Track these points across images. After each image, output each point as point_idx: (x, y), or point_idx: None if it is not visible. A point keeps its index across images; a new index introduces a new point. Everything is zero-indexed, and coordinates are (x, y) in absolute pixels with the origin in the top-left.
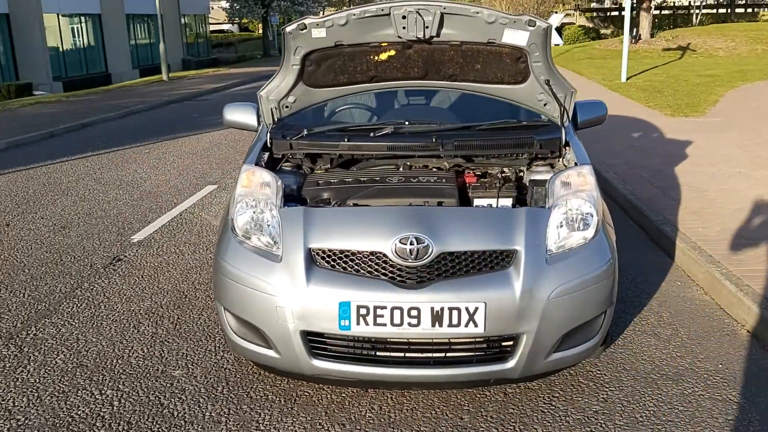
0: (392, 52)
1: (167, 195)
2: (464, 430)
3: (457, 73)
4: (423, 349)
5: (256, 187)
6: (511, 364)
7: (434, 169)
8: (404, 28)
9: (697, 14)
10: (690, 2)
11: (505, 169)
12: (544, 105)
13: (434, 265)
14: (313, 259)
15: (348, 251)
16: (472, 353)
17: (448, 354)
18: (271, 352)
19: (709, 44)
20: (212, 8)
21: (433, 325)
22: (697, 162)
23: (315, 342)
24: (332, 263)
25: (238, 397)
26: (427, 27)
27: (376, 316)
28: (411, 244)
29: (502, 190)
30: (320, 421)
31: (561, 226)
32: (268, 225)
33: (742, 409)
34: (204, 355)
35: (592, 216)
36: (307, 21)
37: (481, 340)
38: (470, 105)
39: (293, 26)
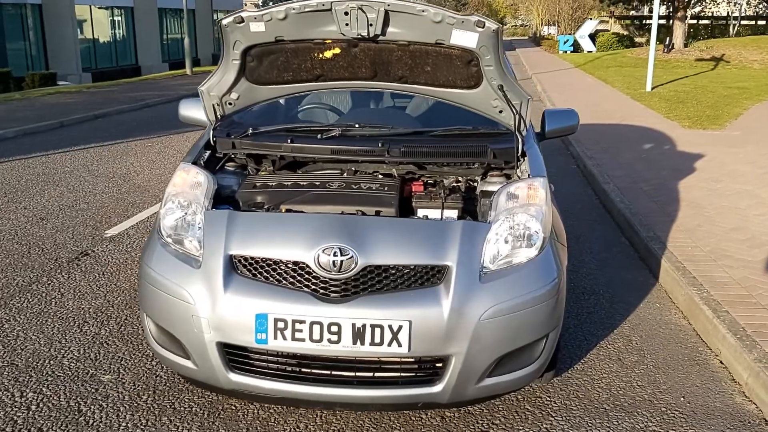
0: (337, 50)
1: (155, 190)
2: None
3: (407, 75)
4: (346, 367)
5: (187, 187)
6: (438, 387)
7: (380, 176)
8: (347, 24)
9: (734, 25)
10: (728, 13)
11: (459, 179)
12: (500, 112)
13: (360, 279)
14: (234, 267)
15: (270, 260)
16: (398, 375)
17: (374, 374)
18: (189, 363)
19: (744, 56)
20: (245, 4)
21: (355, 343)
22: (703, 177)
23: (232, 355)
24: (253, 272)
25: (161, 408)
26: (371, 24)
27: (294, 330)
28: (335, 255)
29: (447, 201)
30: None
31: (501, 242)
32: (199, 228)
33: None
34: (139, 360)
35: (537, 233)
36: (244, 14)
37: (409, 361)
38: (433, 110)
39: (230, 19)
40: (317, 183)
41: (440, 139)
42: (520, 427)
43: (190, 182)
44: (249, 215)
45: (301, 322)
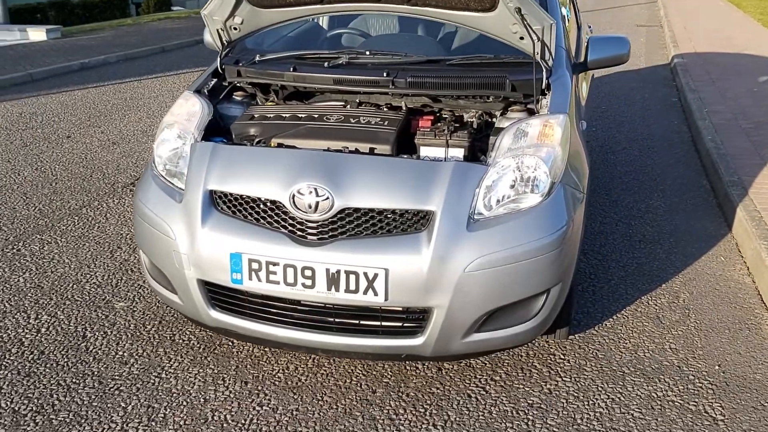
0: None
1: None
2: (369, 406)
3: None
4: (325, 313)
5: (184, 117)
6: (420, 340)
7: (386, 110)
8: None
9: None
10: None
11: (475, 114)
12: (521, 38)
13: (337, 222)
14: (214, 203)
15: (248, 197)
16: (378, 324)
17: (352, 322)
18: (176, 298)
19: None
20: None
21: (329, 289)
22: None
23: (213, 292)
24: (233, 209)
25: (161, 339)
26: None
27: (268, 272)
28: (310, 195)
29: (452, 139)
30: (224, 375)
31: (500, 187)
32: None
33: (714, 428)
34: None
35: (543, 178)
36: None
37: (389, 310)
38: (462, 38)
39: None
40: (316, 116)
41: (455, 69)
42: (521, 386)
43: (187, 110)
44: (230, 149)
45: (275, 264)
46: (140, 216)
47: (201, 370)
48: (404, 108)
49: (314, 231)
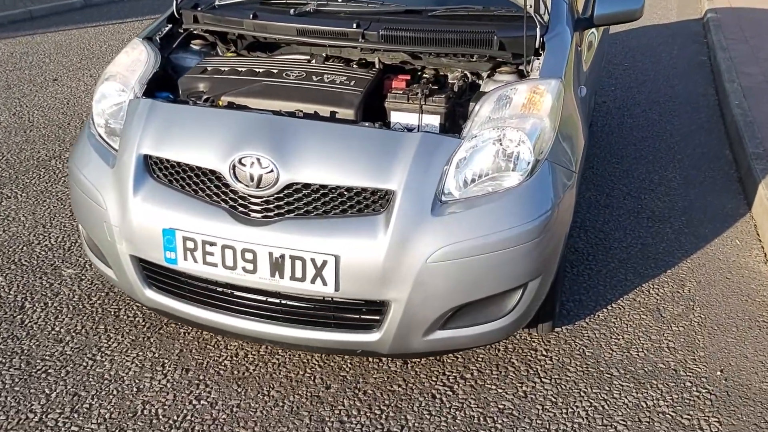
0: None
1: None
2: (319, 405)
3: None
4: (271, 301)
5: (127, 66)
6: (376, 336)
7: (356, 67)
8: None
9: None
10: None
11: (459, 75)
12: None
13: (283, 199)
14: (149, 169)
15: (186, 165)
16: (330, 315)
17: (300, 312)
18: (111, 273)
19: None
20: None
21: (273, 275)
22: None
23: (148, 270)
24: (169, 178)
25: (104, 314)
26: None
27: (205, 252)
28: (252, 166)
29: (428, 103)
30: (165, 360)
31: (476, 163)
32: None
33: None
34: None
35: (526, 154)
36: None
37: (342, 302)
38: None
39: None
40: (275, 71)
41: (437, 22)
42: (493, 387)
43: (132, 61)
44: (169, 107)
45: (212, 244)
46: (74, 181)
47: (140, 353)
48: (378, 65)
49: (258, 208)
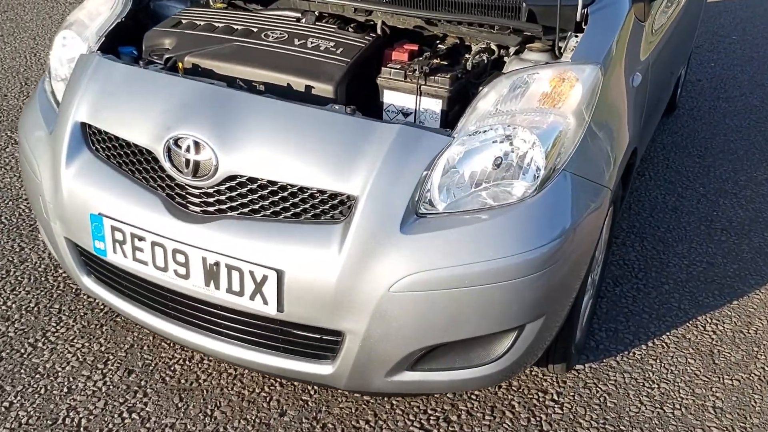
0: None
1: None
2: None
3: None
4: (212, 313)
5: (91, 12)
6: (329, 369)
7: (351, 30)
8: None
9: None
10: None
11: (479, 49)
12: None
13: (225, 192)
14: (87, 139)
15: (123, 140)
16: (278, 337)
17: (243, 329)
18: (54, 253)
19: None
20: None
21: (207, 284)
22: None
23: (86, 255)
24: (107, 152)
25: (63, 291)
26: None
27: (134, 247)
28: (187, 150)
29: (429, 83)
30: (110, 356)
31: (470, 167)
32: None
33: None
34: None
35: (541, 159)
36: None
37: (290, 323)
38: None
39: None
40: (254, 30)
41: None
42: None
43: (97, 6)
44: (116, 67)
45: (141, 239)
46: (19, 146)
47: (86, 344)
48: (380, 29)
49: (196, 201)
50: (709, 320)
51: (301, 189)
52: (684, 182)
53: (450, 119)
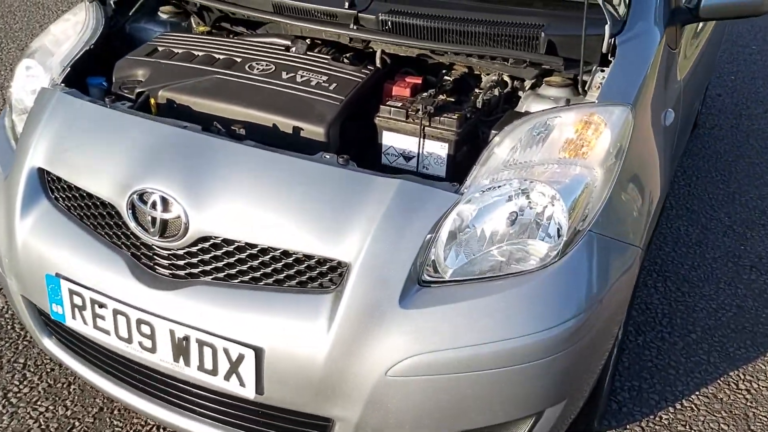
0: None
1: None
2: None
3: None
4: (183, 389)
5: (56, 39)
6: None
7: (347, 61)
8: None
9: None
10: None
11: (491, 82)
12: None
13: (198, 255)
14: (46, 186)
15: (83, 190)
16: (259, 420)
17: (219, 410)
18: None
19: None
20: None
21: (177, 360)
22: None
23: (45, 314)
24: (68, 202)
25: (30, 343)
26: None
27: (95, 315)
28: (153, 207)
29: (433, 123)
30: (76, 422)
31: (472, 231)
32: None
33: None
34: None
35: (561, 220)
36: None
37: (275, 408)
38: None
39: None
40: (238, 60)
41: (466, 5)
42: None
43: (62, 32)
44: (76, 105)
45: (102, 305)
46: None
47: (51, 407)
48: (379, 60)
49: (165, 263)
50: (742, 376)
51: (285, 253)
52: (708, 211)
53: (458, 161)
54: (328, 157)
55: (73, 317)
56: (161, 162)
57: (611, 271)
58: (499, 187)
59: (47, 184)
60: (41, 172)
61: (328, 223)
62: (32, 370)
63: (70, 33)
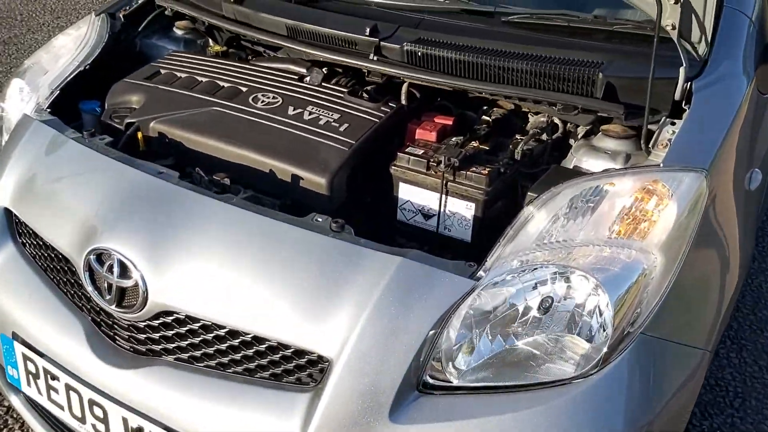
0: None
1: None
2: None
3: None
4: None
5: (53, 56)
6: None
7: (366, 96)
8: None
9: None
10: None
11: (535, 126)
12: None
13: (160, 330)
14: (13, 229)
15: (44, 240)
16: None
17: None
18: None
19: None
20: None
21: None
22: None
23: None
24: (33, 249)
25: None
26: None
27: (48, 386)
28: (109, 270)
29: (458, 177)
30: None
31: (490, 326)
32: None
33: None
34: None
35: (606, 317)
36: None
37: None
38: None
39: None
40: (244, 89)
41: (510, 35)
42: None
43: (59, 48)
44: (51, 138)
45: (54, 377)
46: None
47: None
48: (405, 95)
49: (125, 333)
50: None
51: (257, 339)
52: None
53: (487, 223)
54: (320, 220)
55: (28, 384)
56: (124, 217)
57: (668, 383)
58: (530, 271)
59: (14, 226)
60: (8, 212)
61: (310, 307)
62: (15, 416)
63: (70, 48)
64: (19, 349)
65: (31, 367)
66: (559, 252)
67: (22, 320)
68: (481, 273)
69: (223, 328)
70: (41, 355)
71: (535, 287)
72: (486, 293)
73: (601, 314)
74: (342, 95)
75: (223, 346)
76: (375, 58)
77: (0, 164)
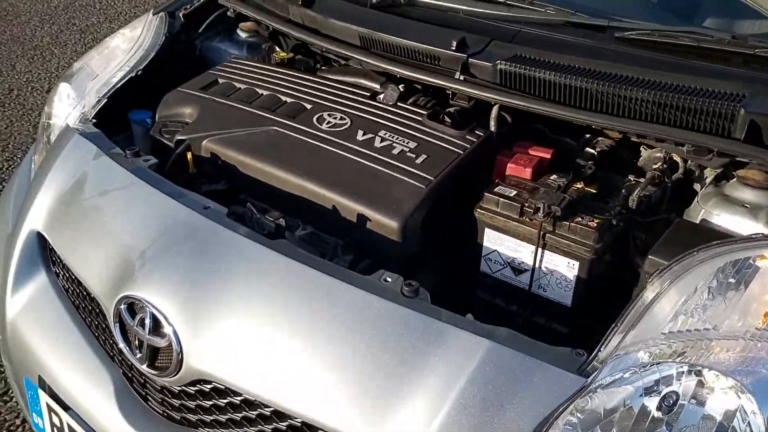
0: None
1: None
2: None
3: None
4: None
5: (104, 59)
6: None
7: (448, 118)
8: None
9: None
10: None
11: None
12: None
13: (197, 397)
14: (47, 256)
15: (78, 278)
16: None
17: None
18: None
19: None
20: None
21: None
22: None
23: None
24: (65, 282)
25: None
26: None
27: None
28: (141, 325)
29: (559, 229)
30: None
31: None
32: None
33: None
34: None
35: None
36: None
37: None
38: None
39: None
40: (308, 107)
41: (624, 55)
42: None
43: (111, 51)
44: (90, 155)
45: None
46: None
47: None
48: (494, 121)
49: (158, 395)
50: None
51: (308, 425)
52: None
53: (593, 285)
54: (389, 280)
55: None
56: (161, 262)
57: None
58: (656, 366)
59: (48, 253)
60: (41, 237)
61: (375, 391)
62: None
63: (123, 50)
64: (44, 398)
65: (56, 421)
66: (694, 344)
67: (50, 364)
68: (595, 365)
69: (269, 407)
70: (66, 408)
71: (656, 384)
72: (601, 393)
73: (742, 427)
74: (420, 118)
75: (269, 428)
76: (461, 78)
77: (36, 180)
